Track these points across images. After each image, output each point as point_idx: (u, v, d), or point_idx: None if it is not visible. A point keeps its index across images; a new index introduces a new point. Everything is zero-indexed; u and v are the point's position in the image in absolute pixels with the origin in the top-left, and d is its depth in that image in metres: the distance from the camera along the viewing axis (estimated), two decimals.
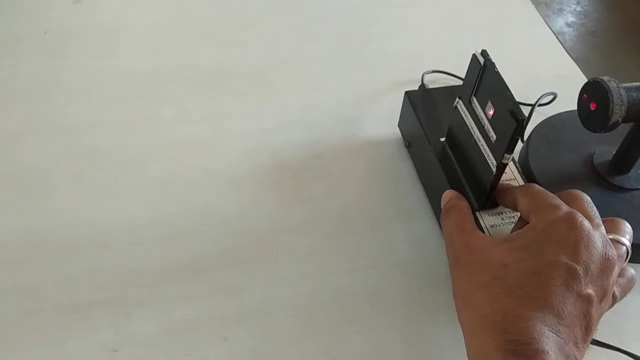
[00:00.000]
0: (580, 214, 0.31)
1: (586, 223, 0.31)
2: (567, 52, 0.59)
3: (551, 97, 0.49)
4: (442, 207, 0.38)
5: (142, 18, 0.59)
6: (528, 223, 0.33)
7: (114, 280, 0.40)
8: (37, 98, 0.51)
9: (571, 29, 1.90)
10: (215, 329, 0.37)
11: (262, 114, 0.51)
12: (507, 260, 0.31)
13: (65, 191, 0.45)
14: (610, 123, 0.33)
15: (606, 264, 0.30)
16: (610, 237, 0.32)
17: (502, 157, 0.33)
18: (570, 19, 1.93)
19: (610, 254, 0.31)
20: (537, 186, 0.35)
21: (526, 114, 0.46)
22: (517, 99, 0.32)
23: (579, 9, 1.98)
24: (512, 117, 0.32)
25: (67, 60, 0.54)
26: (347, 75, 0.55)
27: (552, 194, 0.33)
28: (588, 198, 0.34)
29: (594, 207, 0.33)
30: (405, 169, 0.47)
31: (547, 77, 0.55)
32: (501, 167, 0.34)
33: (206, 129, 0.50)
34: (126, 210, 0.44)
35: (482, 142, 0.36)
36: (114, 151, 0.47)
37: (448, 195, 0.38)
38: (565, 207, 0.32)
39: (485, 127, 0.35)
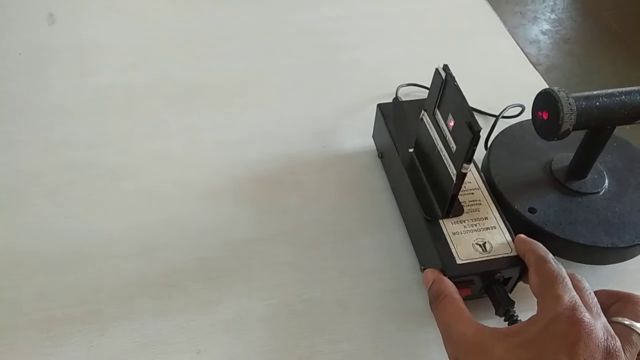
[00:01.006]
0: (582, 307, 0.31)
1: (587, 317, 0.31)
2: (531, 62, 0.61)
3: (519, 109, 0.51)
4: (426, 290, 0.37)
5: (117, 35, 0.60)
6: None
7: (90, 295, 0.40)
8: (12, 115, 0.51)
9: (546, 36, 1.94)
10: (188, 343, 0.38)
11: (237, 127, 0.52)
12: (509, 359, 0.30)
13: (40, 206, 0.45)
14: (562, 131, 0.34)
15: (609, 358, 0.30)
16: (625, 322, 0.32)
17: (461, 167, 0.35)
18: (545, 26, 1.98)
19: (612, 346, 0.30)
20: (549, 262, 0.34)
21: (491, 124, 0.48)
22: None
23: (553, 16, 2.03)
24: (468, 129, 0.33)
25: (42, 78, 0.55)
26: (322, 88, 0.56)
27: (561, 276, 0.33)
28: (587, 285, 0.34)
29: (592, 294, 0.33)
30: (378, 179, 0.48)
31: (513, 87, 0.57)
32: (461, 176, 0.36)
33: (180, 141, 0.51)
34: (101, 224, 0.44)
35: (444, 153, 0.37)
36: (88, 166, 0.48)
37: (430, 276, 0.37)
38: (567, 299, 0.32)
39: (447, 138, 0.37)
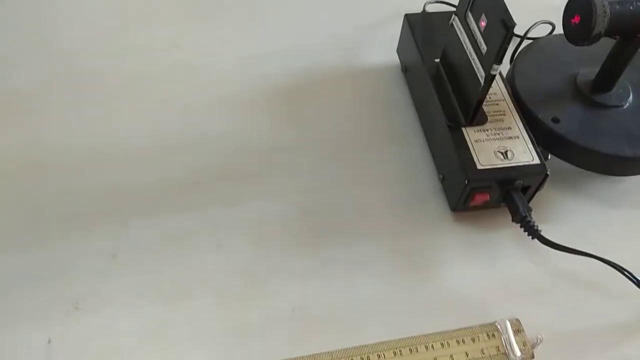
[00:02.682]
0: None
1: None
2: None
3: (550, 27, 0.49)
4: None
5: None
6: None
7: (113, 194, 0.41)
8: (29, 23, 0.51)
9: None
10: (211, 237, 0.39)
11: (257, 41, 0.51)
12: None
13: (60, 113, 0.45)
14: (593, 34, 0.34)
15: None
16: None
17: (491, 68, 0.35)
18: None
19: None
20: None
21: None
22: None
23: None
24: (502, 25, 0.33)
25: None
26: (347, 2, 0.55)
27: None
28: None
29: None
30: (400, 94, 0.48)
31: (544, 7, 0.55)
32: (489, 79, 0.35)
33: (199, 54, 0.50)
34: (122, 131, 0.44)
35: (473, 57, 0.37)
36: (107, 76, 0.48)
37: None
38: None
39: (478, 40, 0.36)
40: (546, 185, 0.39)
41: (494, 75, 0.35)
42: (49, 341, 0.34)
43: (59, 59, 0.48)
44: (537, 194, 0.39)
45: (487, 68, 0.35)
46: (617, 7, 0.34)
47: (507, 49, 0.33)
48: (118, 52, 0.49)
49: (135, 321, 0.35)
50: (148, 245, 0.38)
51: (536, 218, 0.38)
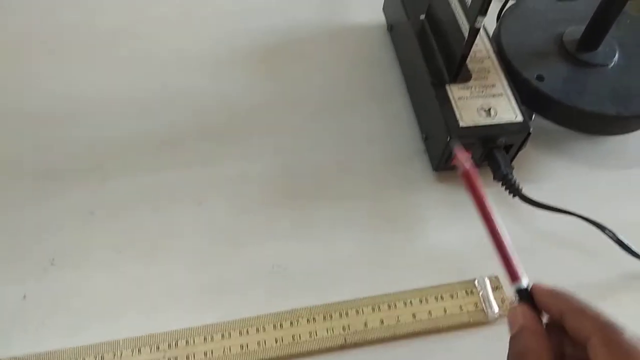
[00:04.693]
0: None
1: None
2: None
3: None
4: (510, 331, 0.26)
5: None
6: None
7: (90, 150, 0.40)
8: None
9: None
10: (190, 195, 0.38)
11: None
12: None
13: (37, 65, 0.44)
14: None
15: None
16: None
17: (475, 20, 0.34)
18: None
19: None
20: (624, 331, 0.23)
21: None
22: None
23: None
24: None
25: None
26: None
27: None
28: None
29: None
30: (385, 52, 0.47)
31: None
32: (473, 32, 0.35)
33: (179, 9, 0.49)
34: (99, 85, 0.43)
35: (458, 10, 0.36)
36: (84, 28, 0.46)
37: (519, 319, 0.25)
38: None
39: None
40: (529, 145, 0.39)
41: (478, 29, 0.34)
42: (24, 297, 0.34)
43: (38, 11, 0.47)
44: (519, 153, 0.39)
45: (471, 20, 0.34)
46: None
47: (491, 1, 0.32)
48: (95, 6, 0.48)
49: (112, 278, 0.35)
50: (126, 202, 0.38)
51: (518, 178, 0.38)
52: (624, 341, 0.22)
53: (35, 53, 0.45)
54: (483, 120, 0.37)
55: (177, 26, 0.47)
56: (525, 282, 0.26)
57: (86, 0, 0.48)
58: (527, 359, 0.24)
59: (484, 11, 0.33)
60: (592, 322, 0.23)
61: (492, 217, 0.27)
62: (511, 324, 0.26)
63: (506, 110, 0.38)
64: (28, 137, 0.40)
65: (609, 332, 0.23)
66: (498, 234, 0.27)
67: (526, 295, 0.26)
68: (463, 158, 0.29)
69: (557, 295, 0.25)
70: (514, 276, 0.26)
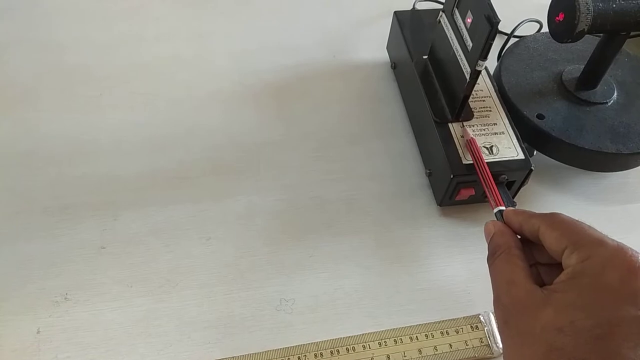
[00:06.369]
0: (629, 247, 0.26)
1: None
2: None
3: (537, 26, 0.50)
4: (487, 242, 0.32)
5: None
6: (559, 262, 0.28)
7: (101, 186, 0.41)
8: (21, 14, 0.51)
9: None
10: (199, 230, 0.39)
11: (246, 35, 0.52)
12: (561, 322, 0.25)
13: (51, 104, 0.45)
14: (577, 31, 0.35)
15: None
16: None
17: (476, 64, 0.35)
18: None
19: None
20: (563, 215, 0.29)
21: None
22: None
23: None
24: (487, 21, 0.33)
25: None
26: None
27: (586, 224, 0.28)
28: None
29: None
30: (389, 90, 0.48)
31: (531, 5, 0.56)
32: (474, 75, 0.36)
33: (189, 48, 0.50)
34: (112, 123, 0.45)
35: (459, 53, 0.37)
36: (97, 68, 0.48)
37: (491, 228, 0.31)
38: (610, 241, 0.26)
39: (464, 36, 0.37)
40: (531, 181, 0.39)
41: (479, 71, 0.36)
42: (38, 331, 0.34)
43: (51, 50, 0.49)
44: (521, 189, 0.40)
45: (472, 64, 0.35)
46: (601, 4, 0.35)
47: (492, 44, 0.34)
48: (108, 45, 0.50)
49: (123, 312, 0.35)
50: (136, 237, 0.39)
51: None
52: (564, 219, 0.28)
53: (47, 91, 0.46)
54: (485, 158, 0.38)
55: (189, 65, 0.49)
56: (502, 208, 0.33)
57: (99, 40, 0.50)
58: (498, 251, 0.30)
59: (484, 56, 0.34)
60: (538, 218, 0.29)
61: (483, 159, 0.37)
62: (486, 235, 0.32)
63: (508, 147, 0.39)
64: (41, 174, 0.41)
65: (549, 217, 0.29)
66: (487, 169, 0.36)
67: (500, 217, 0.33)
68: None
69: (517, 212, 0.32)
70: (497, 202, 0.34)
